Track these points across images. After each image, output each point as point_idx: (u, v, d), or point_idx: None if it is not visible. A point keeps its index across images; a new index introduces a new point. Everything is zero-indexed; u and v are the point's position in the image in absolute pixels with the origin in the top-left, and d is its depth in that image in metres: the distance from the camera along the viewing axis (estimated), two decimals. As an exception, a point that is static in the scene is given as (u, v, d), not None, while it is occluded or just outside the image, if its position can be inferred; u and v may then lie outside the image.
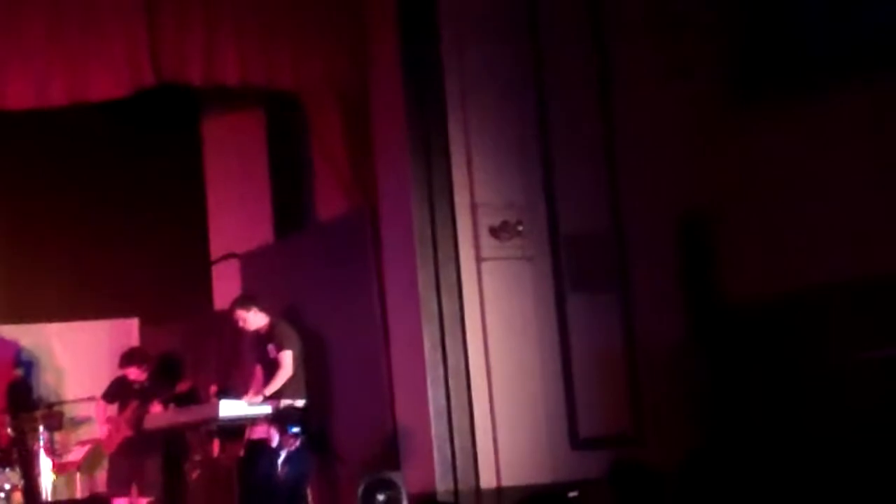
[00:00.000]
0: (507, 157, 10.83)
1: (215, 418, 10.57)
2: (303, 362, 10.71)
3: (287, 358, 10.58)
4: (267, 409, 10.29)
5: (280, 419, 9.91)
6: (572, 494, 8.30)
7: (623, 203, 11.09)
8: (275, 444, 9.78)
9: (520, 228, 10.65)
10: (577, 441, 10.67)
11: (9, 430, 12.33)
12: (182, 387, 11.80)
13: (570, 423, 10.67)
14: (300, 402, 10.45)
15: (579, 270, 10.94)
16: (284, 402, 10.33)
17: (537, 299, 10.74)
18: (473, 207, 10.63)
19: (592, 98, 11.21)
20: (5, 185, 13.08)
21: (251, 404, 10.44)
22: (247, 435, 10.58)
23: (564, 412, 10.66)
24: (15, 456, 12.01)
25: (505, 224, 10.61)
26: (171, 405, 11.50)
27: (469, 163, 10.68)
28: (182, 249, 13.27)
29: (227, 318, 11.35)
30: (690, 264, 11.11)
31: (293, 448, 9.78)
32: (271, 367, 10.66)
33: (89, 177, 13.16)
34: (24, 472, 11.98)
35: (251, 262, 12.50)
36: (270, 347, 10.71)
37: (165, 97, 11.69)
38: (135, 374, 11.81)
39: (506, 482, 10.26)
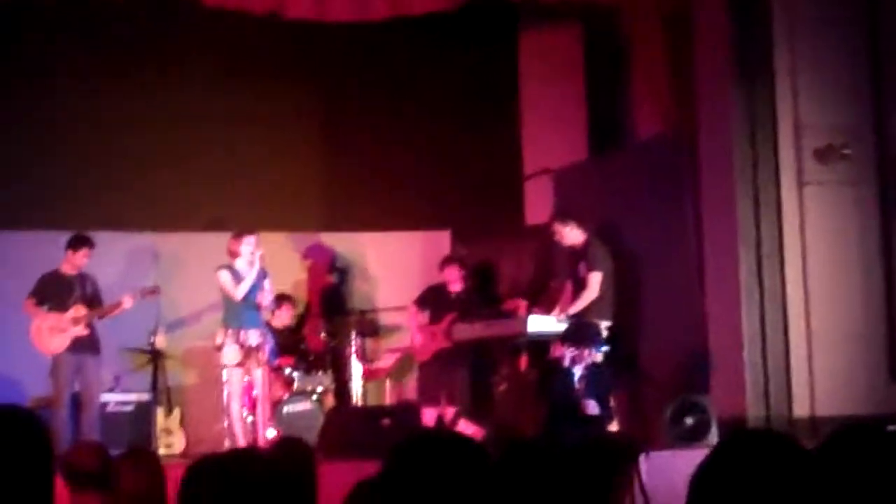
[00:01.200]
0: (835, 78, 10.44)
1: (523, 333, 10.63)
2: (613, 284, 10.63)
3: (596, 279, 10.53)
4: (568, 327, 10.25)
5: (571, 337, 9.84)
6: (892, 428, 7.99)
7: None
8: (567, 362, 9.73)
9: (845, 152, 10.27)
10: (896, 372, 10.30)
11: (322, 334, 12.73)
12: (509, 305, 11.84)
13: (890, 354, 10.29)
14: (605, 324, 10.40)
15: (907, 196, 10.49)
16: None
17: (861, 226, 10.36)
18: (797, 129, 10.30)
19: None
20: (326, 99, 13.42)
21: (559, 321, 10.44)
22: (550, 353, 10.60)
23: (885, 343, 10.28)
24: (328, 360, 12.41)
25: (830, 147, 10.25)
26: (485, 317, 11.58)
27: (794, 82, 10.34)
28: (495, 164, 13.33)
29: (541, 233, 11.36)
30: None
31: (589, 365, 9.69)
32: (580, 286, 10.63)
33: (406, 91, 13.36)
34: (336, 376, 12.36)
35: (564, 179, 12.46)
36: (581, 266, 10.67)
37: (483, 12, 11.74)
38: (454, 276, 11.82)
39: (820, 412, 10.00)
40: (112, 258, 12.24)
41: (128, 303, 10.82)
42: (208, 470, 4.07)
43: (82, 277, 10.87)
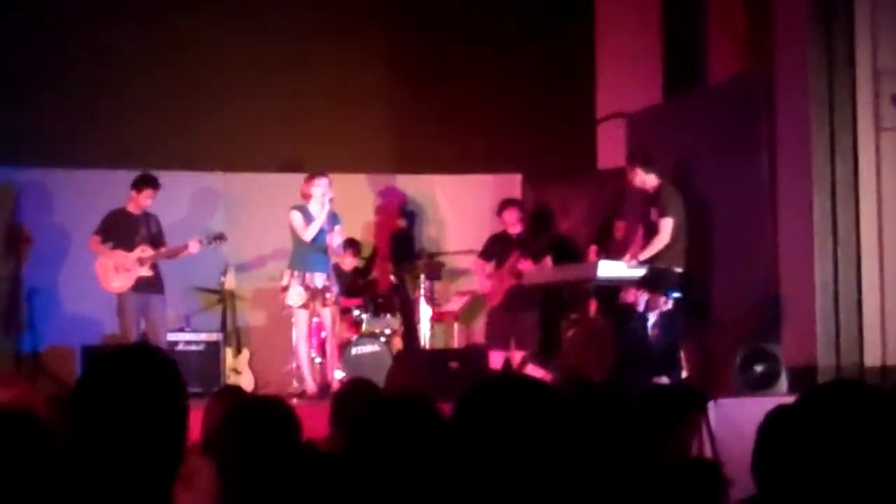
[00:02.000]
0: (915, 24, 10.23)
1: (593, 278, 10.56)
2: (685, 230, 10.51)
3: (667, 225, 10.39)
4: (644, 273, 10.18)
5: (647, 283, 9.78)
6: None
7: None
8: (641, 307, 9.67)
9: (924, 98, 10.09)
10: (970, 325, 10.13)
11: (391, 277, 12.76)
12: (565, 226, 11.79)
13: (964, 305, 10.14)
14: (677, 270, 10.31)
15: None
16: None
17: (938, 172, 10.18)
18: (876, 74, 10.10)
19: None
20: (397, 40, 13.37)
21: (630, 266, 10.36)
22: (620, 298, 10.54)
23: (960, 294, 10.13)
24: (396, 302, 12.43)
25: (909, 93, 10.07)
26: (550, 260, 11.55)
27: (873, 26, 10.13)
28: (568, 107, 13.24)
29: (614, 177, 11.26)
30: None
31: (663, 311, 9.64)
32: (652, 231, 10.52)
33: (478, 31, 13.28)
34: (405, 318, 12.39)
35: (638, 123, 12.32)
36: (653, 211, 10.54)
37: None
38: (512, 218, 11.78)
39: (891, 361, 9.87)
40: (180, 198, 12.32)
41: (194, 247, 10.88)
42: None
43: (147, 217, 10.95)
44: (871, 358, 9.90)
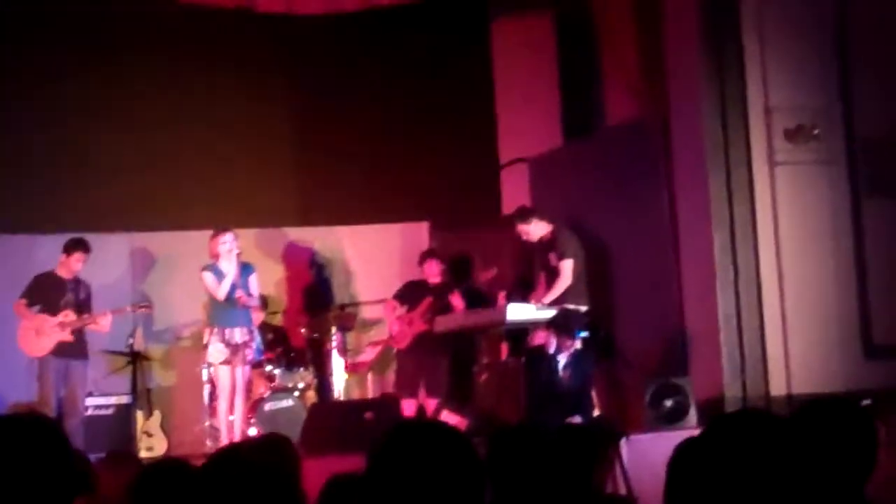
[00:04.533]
0: (803, 59, 10.51)
1: (503, 321, 10.64)
2: (585, 270, 10.66)
3: (567, 267, 10.54)
4: (552, 315, 10.27)
5: (555, 324, 9.89)
6: (865, 402, 8.06)
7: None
8: (552, 349, 9.77)
9: (815, 132, 10.35)
10: (870, 349, 10.37)
11: (303, 330, 12.73)
12: (483, 276, 11.90)
13: (863, 331, 10.38)
14: (582, 309, 10.44)
15: (876, 175, 10.57)
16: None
17: (832, 205, 10.44)
18: (767, 110, 10.37)
19: (893, -1, 10.76)
20: (300, 93, 13.42)
21: (539, 308, 10.47)
22: (529, 340, 10.63)
23: (858, 320, 10.37)
24: (309, 356, 12.41)
25: (800, 127, 10.32)
26: (464, 302, 11.61)
27: (763, 65, 10.41)
28: (471, 153, 13.36)
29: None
30: None
31: (573, 352, 9.75)
32: (553, 275, 10.67)
33: (380, 83, 13.37)
34: (318, 371, 12.36)
35: (539, 166, 12.51)
36: (552, 255, 10.71)
37: (455, 2, 11.75)
38: (433, 270, 11.86)
39: (796, 390, 10.07)
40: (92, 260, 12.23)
41: (105, 322, 10.77)
42: (185, 471, 4.11)
43: (77, 282, 10.85)
44: (777, 388, 10.11)
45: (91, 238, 12.12)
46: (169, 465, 4.24)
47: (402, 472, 2.68)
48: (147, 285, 12.35)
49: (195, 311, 11.43)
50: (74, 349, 10.71)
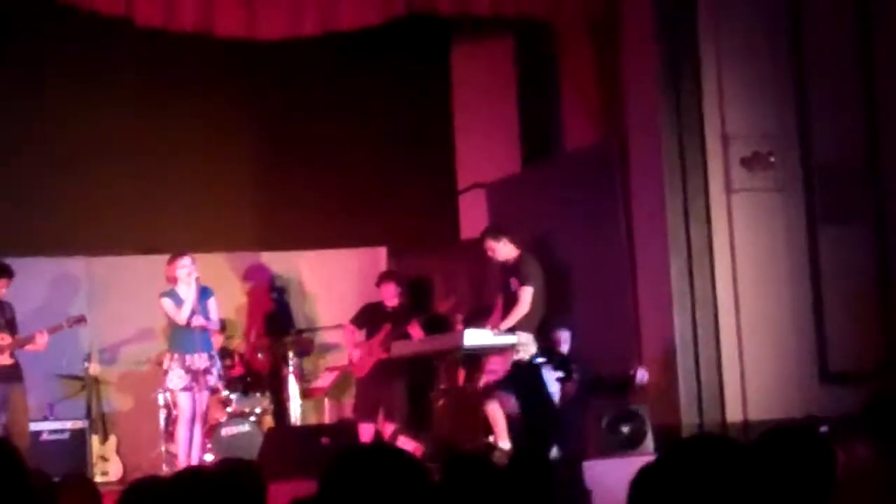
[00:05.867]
0: (760, 87, 10.60)
1: (460, 347, 10.59)
2: (543, 299, 10.60)
3: (527, 295, 10.42)
4: (512, 340, 10.22)
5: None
6: (823, 429, 8.09)
7: (881, 133, 10.71)
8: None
9: (772, 159, 10.43)
10: (826, 376, 10.44)
11: (260, 355, 12.68)
12: (442, 307, 11.89)
13: (819, 357, 10.45)
14: (531, 338, 10.38)
15: (832, 202, 10.66)
16: (522, 335, 10.29)
17: (788, 231, 10.52)
18: (724, 138, 10.44)
19: (849, 26, 10.85)
20: (258, 117, 13.39)
21: (496, 335, 10.41)
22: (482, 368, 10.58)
23: (814, 346, 10.44)
24: (266, 381, 12.36)
25: (756, 155, 10.39)
26: (422, 331, 11.59)
27: (720, 92, 10.49)
28: (430, 179, 13.37)
29: (476, 248, 11.38)
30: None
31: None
32: (511, 301, 10.61)
33: (338, 108, 13.34)
34: (274, 396, 12.31)
35: (497, 191, 12.51)
36: (513, 281, 10.66)
37: (415, 27, 11.77)
38: (391, 292, 11.83)
39: (753, 416, 10.11)
40: (38, 285, 12.14)
41: (41, 340, 10.65)
42: (151, 491, 4.09)
43: (1, 305, 10.73)
44: (733, 413, 10.15)
45: (48, 262, 12.10)
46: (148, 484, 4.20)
47: (350, 496, 2.67)
48: (100, 309, 12.24)
49: (151, 336, 11.34)
50: (12, 373, 10.54)
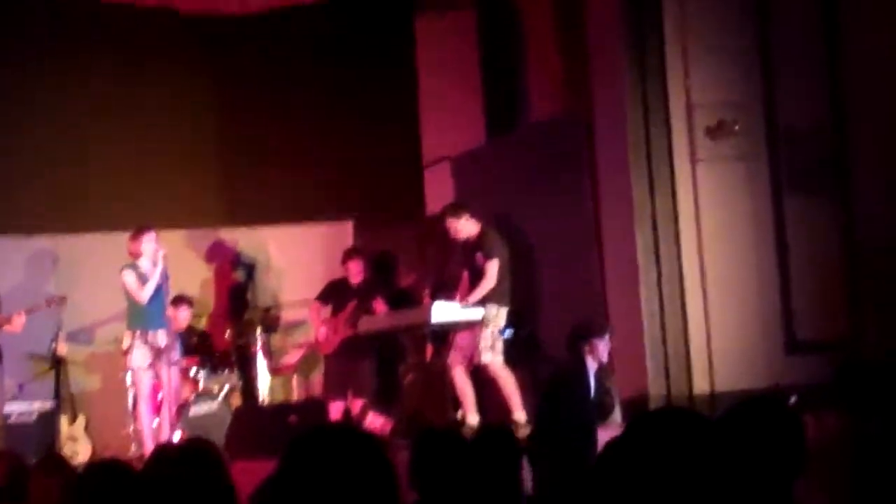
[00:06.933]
0: (724, 56, 10.55)
1: (428, 322, 10.57)
2: (509, 270, 10.59)
3: (493, 267, 10.41)
4: (479, 314, 10.21)
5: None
6: (793, 399, 8.10)
7: (847, 100, 10.71)
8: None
9: (736, 128, 10.41)
10: (793, 345, 10.44)
11: (227, 332, 12.65)
12: (406, 281, 11.88)
13: (786, 327, 10.43)
14: (505, 309, 10.39)
15: (797, 170, 10.64)
16: (491, 308, 10.28)
17: (754, 200, 10.49)
18: (689, 107, 10.40)
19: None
20: (222, 92, 13.33)
21: (464, 308, 10.40)
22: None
23: (780, 316, 10.42)
24: (233, 358, 12.33)
25: (721, 123, 10.35)
26: (388, 306, 11.56)
27: (685, 61, 10.43)
28: (395, 152, 13.32)
29: (439, 224, 11.37)
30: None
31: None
32: (478, 275, 10.58)
33: (303, 79, 13.32)
34: (242, 373, 12.29)
35: (462, 165, 12.49)
36: (478, 255, 10.62)
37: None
38: (356, 269, 11.78)
39: (719, 387, 10.09)
40: (7, 264, 12.08)
41: (18, 322, 10.58)
42: (109, 475, 4.06)
43: None
44: (700, 385, 10.15)
45: (10, 240, 12.02)
46: (108, 467, 4.18)
47: (307, 476, 2.66)
48: (68, 287, 12.17)
49: (118, 314, 11.27)
50: None
